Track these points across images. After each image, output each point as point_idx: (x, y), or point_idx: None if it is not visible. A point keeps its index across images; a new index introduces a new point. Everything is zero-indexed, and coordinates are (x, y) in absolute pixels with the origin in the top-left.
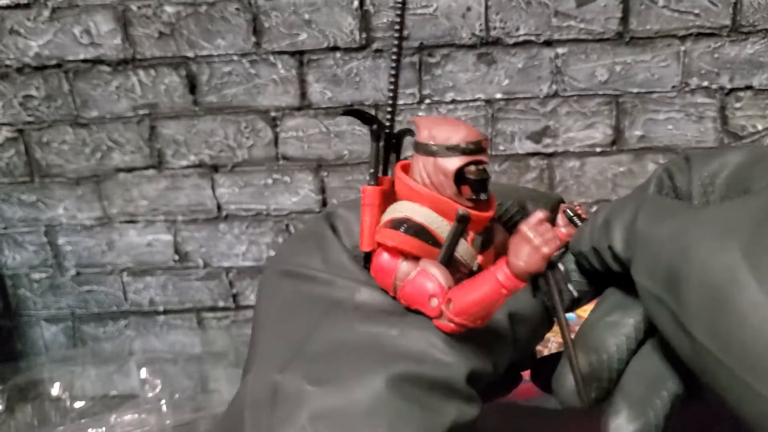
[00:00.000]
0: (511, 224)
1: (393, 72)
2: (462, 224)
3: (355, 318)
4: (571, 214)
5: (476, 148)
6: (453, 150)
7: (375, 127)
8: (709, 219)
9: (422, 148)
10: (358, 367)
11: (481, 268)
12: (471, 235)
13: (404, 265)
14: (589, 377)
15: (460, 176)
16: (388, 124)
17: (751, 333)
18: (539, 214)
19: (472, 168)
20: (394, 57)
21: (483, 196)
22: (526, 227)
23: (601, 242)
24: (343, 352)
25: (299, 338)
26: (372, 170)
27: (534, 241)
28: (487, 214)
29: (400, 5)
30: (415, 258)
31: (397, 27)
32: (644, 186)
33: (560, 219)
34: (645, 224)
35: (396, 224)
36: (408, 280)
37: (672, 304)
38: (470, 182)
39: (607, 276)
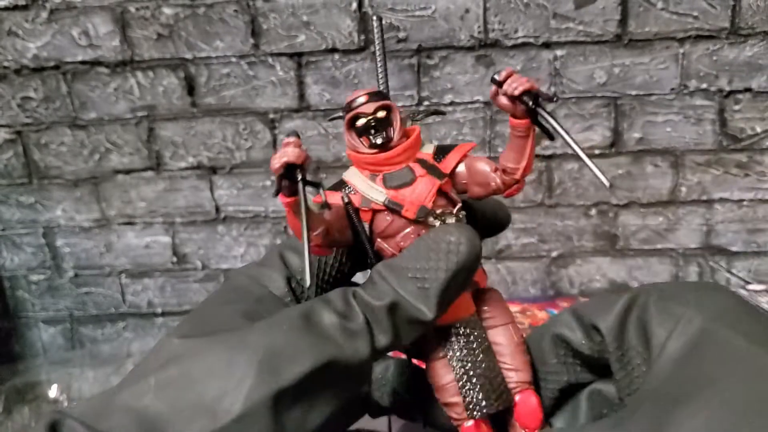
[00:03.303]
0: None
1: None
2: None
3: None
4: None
5: (359, 103)
6: (345, 109)
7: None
8: None
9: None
10: (225, 331)
11: (393, 202)
12: (379, 177)
13: None
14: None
15: (357, 130)
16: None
17: None
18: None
19: (359, 121)
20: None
21: (377, 140)
22: None
23: None
24: (218, 320)
25: (201, 309)
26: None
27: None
28: (383, 156)
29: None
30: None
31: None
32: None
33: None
34: None
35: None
36: None
37: None
38: (360, 131)
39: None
